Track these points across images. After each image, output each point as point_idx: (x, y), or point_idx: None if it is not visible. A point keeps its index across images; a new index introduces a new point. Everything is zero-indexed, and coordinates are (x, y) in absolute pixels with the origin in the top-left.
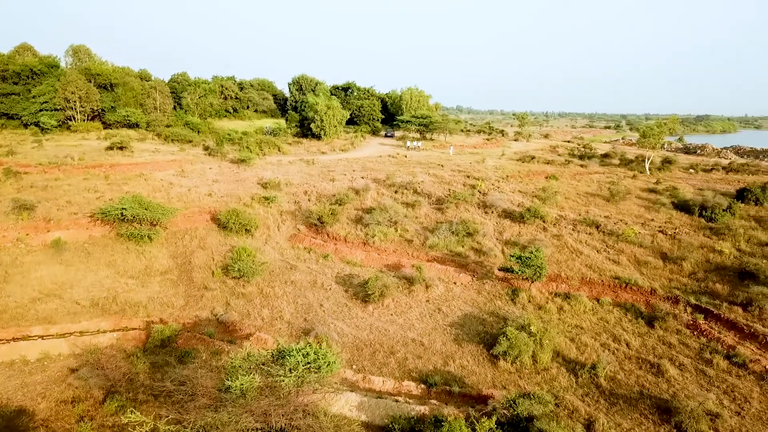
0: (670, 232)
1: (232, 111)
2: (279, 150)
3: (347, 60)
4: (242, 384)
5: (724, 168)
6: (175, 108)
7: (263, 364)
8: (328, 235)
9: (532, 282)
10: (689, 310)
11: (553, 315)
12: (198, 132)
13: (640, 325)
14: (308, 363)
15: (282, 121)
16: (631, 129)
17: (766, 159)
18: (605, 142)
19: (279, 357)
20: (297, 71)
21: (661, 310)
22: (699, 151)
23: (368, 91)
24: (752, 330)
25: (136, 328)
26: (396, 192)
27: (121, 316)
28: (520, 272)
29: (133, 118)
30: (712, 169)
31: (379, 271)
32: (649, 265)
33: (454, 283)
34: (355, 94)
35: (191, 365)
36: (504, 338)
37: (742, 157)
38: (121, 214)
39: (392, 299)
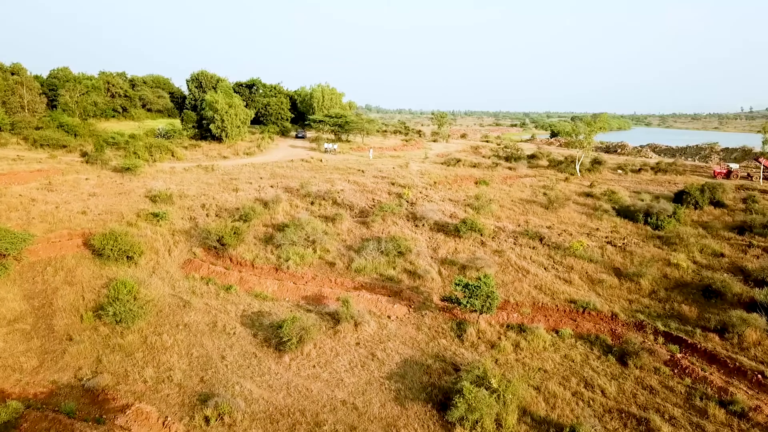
0: (619, 244)
1: (121, 110)
2: (173, 155)
3: (251, 56)
4: None
5: (652, 168)
6: (53, 108)
7: None
8: (231, 260)
9: (481, 314)
10: (661, 340)
11: (510, 355)
12: (75, 135)
13: (611, 363)
14: None
15: (177, 122)
16: (536, 126)
17: (683, 157)
18: (523, 141)
19: None
20: (197, 68)
21: (633, 344)
22: (619, 150)
23: (275, 88)
24: (738, 364)
25: None
26: (312, 203)
27: None
28: (467, 305)
29: None
30: (640, 170)
31: (296, 306)
32: (605, 283)
33: (388, 317)
34: (261, 91)
35: None
36: (460, 398)
37: (659, 155)
38: None
39: (314, 345)
